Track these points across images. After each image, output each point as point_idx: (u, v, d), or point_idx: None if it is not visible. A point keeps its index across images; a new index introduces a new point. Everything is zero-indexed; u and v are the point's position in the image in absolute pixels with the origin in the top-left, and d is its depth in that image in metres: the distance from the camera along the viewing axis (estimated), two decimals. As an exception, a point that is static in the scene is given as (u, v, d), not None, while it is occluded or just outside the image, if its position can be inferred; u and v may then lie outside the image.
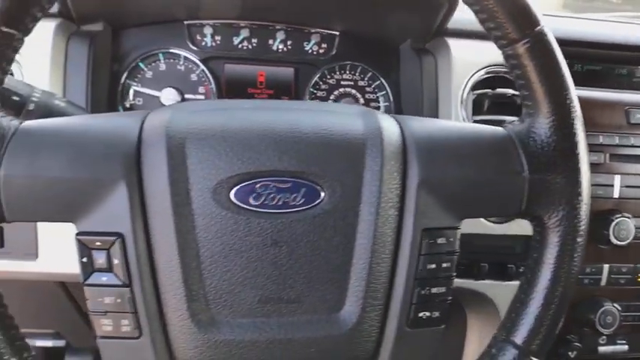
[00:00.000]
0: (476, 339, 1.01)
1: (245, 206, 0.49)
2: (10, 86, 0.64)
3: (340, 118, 0.52)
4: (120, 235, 0.47)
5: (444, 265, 0.52)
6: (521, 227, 0.83)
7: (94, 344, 0.50)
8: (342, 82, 0.96)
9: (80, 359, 1.15)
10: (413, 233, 0.51)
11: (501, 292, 0.86)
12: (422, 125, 0.54)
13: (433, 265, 0.51)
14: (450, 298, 0.53)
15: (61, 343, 1.02)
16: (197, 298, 0.49)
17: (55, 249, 0.74)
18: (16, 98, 0.64)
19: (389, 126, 0.52)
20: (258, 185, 0.49)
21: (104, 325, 0.49)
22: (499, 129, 0.55)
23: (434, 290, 0.52)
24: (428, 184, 0.51)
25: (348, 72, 0.97)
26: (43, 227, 0.74)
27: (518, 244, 0.85)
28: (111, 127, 0.49)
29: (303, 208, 0.49)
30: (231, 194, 0.48)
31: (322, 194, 0.49)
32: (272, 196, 0.49)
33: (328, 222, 0.50)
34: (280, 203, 0.49)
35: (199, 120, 0.50)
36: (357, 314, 0.51)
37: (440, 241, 0.51)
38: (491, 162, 0.53)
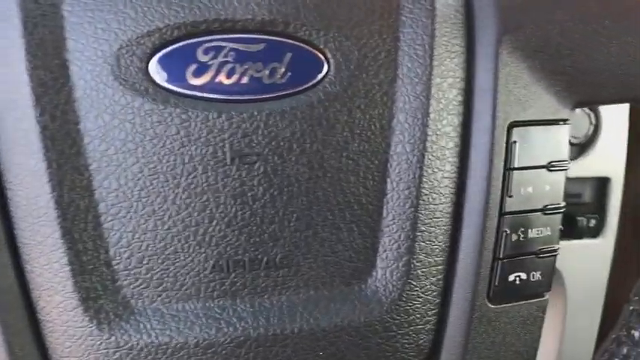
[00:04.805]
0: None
1: (179, 89, 0.26)
2: None
3: None
4: None
5: (548, 188, 0.29)
6: (590, 167, 0.61)
7: None
8: None
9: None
10: (493, 131, 0.28)
11: (567, 255, 0.64)
12: None
13: (530, 189, 0.29)
14: (558, 247, 0.31)
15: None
16: (92, 269, 0.26)
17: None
18: None
19: None
20: (201, 48, 0.26)
21: None
22: None
23: (533, 233, 0.29)
24: (514, 45, 0.28)
25: None
26: None
27: (587, 190, 0.63)
28: None
29: (291, 90, 0.27)
30: (151, 66, 0.26)
31: (326, 65, 0.27)
32: (230, 67, 0.26)
33: (339, 115, 0.27)
34: (246, 81, 0.26)
35: None
36: (398, 282, 0.28)
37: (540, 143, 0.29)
38: None
